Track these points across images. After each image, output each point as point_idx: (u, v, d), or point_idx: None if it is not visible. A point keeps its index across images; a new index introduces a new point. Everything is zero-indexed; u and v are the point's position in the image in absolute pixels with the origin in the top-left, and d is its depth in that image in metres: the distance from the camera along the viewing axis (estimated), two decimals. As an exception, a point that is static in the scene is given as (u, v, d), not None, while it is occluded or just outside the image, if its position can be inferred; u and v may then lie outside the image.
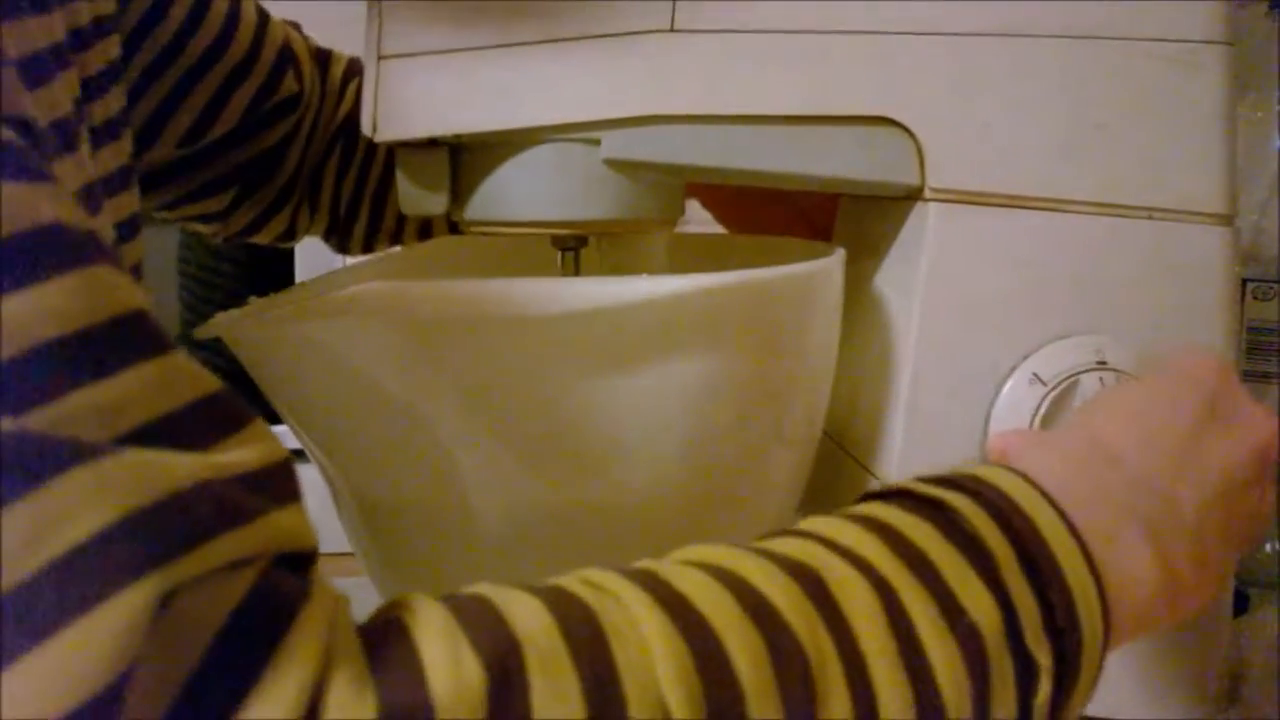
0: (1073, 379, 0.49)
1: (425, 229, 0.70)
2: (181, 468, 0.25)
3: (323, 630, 0.25)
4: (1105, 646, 0.35)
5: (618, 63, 0.49)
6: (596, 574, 0.31)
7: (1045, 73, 0.50)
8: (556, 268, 0.58)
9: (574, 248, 0.57)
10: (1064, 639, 0.33)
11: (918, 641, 0.31)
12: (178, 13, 0.58)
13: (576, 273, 0.57)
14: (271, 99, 0.63)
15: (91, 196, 0.40)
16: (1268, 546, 0.72)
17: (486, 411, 0.44)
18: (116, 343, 0.25)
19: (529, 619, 0.28)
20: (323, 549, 0.29)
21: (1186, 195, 0.51)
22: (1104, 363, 0.49)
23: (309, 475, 0.51)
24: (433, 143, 0.52)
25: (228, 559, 0.25)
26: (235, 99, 0.61)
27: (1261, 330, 0.71)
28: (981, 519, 0.34)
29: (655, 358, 0.44)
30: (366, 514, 0.50)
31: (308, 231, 0.70)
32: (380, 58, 0.49)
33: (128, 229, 0.46)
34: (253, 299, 0.46)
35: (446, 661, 0.26)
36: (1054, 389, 0.49)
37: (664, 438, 0.46)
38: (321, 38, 0.69)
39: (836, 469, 0.58)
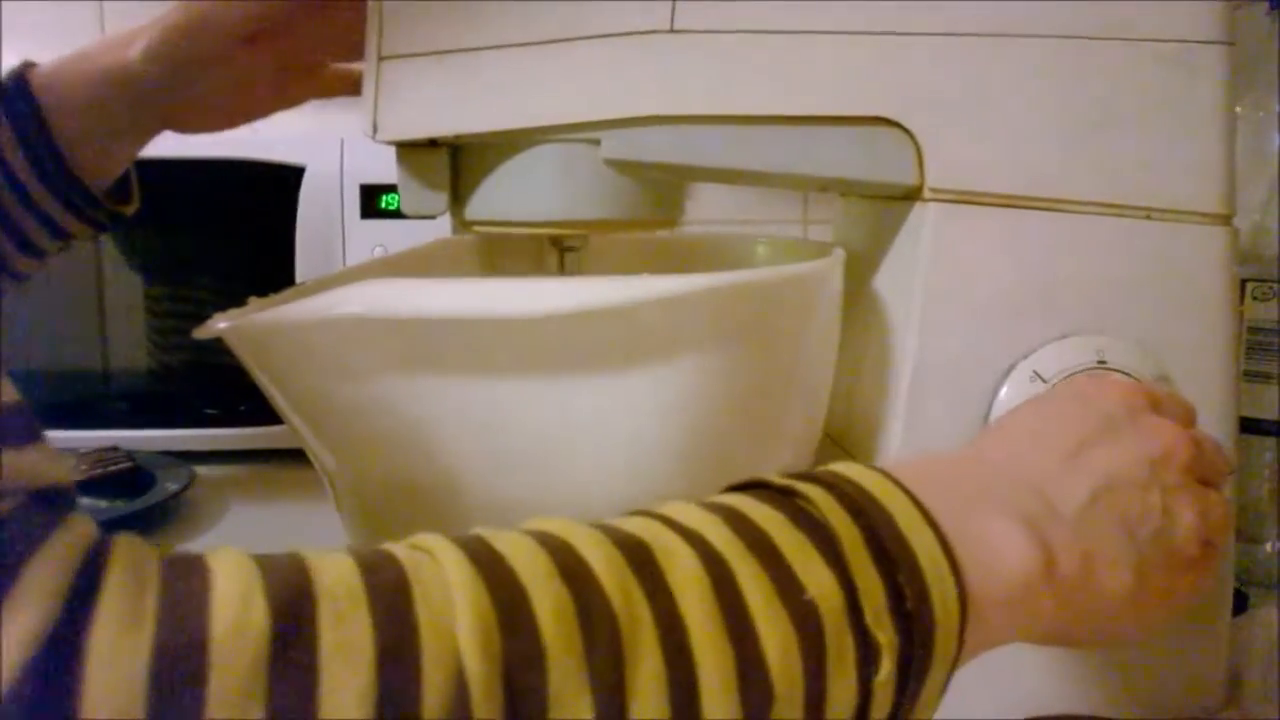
0: (1073, 377, 0.49)
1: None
2: None
3: (62, 569, 0.25)
4: (963, 629, 0.35)
5: (618, 63, 0.49)
6: (423, 537, 0.32)
7: (1043, 73, 0.50)
8: (556, 267, 0.58)
9: (574, 247, 0.57)
10: (914, 621, 0.33)
11: (745, 613, 0.31)
12: None
13: (577, 272, 0.58)
14: None
15: None
16: (1268, 546, 0.72)
17: (486, 411, 0.44)
18: None
19: (333, 574, 0.28)
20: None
21: (1185, 195, 0.51)
22: (1104, 363, 0.49)
23: (307, 476, 0.52)
24: (433, 143, 0.52)
25: None
26: None
27: (1261, 330, 0.71)
28: (830, 505, 0.35)
29: (654, 358, 0.44)
30: (367, 513, 0.50)
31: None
32: (380, 58, 0.49)
33: None
34: (252, 298, 0.46)
35: (235, 601, 0.26)
36: (1054, 387, 0.49)
37: (663, 438, 0.46)
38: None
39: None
